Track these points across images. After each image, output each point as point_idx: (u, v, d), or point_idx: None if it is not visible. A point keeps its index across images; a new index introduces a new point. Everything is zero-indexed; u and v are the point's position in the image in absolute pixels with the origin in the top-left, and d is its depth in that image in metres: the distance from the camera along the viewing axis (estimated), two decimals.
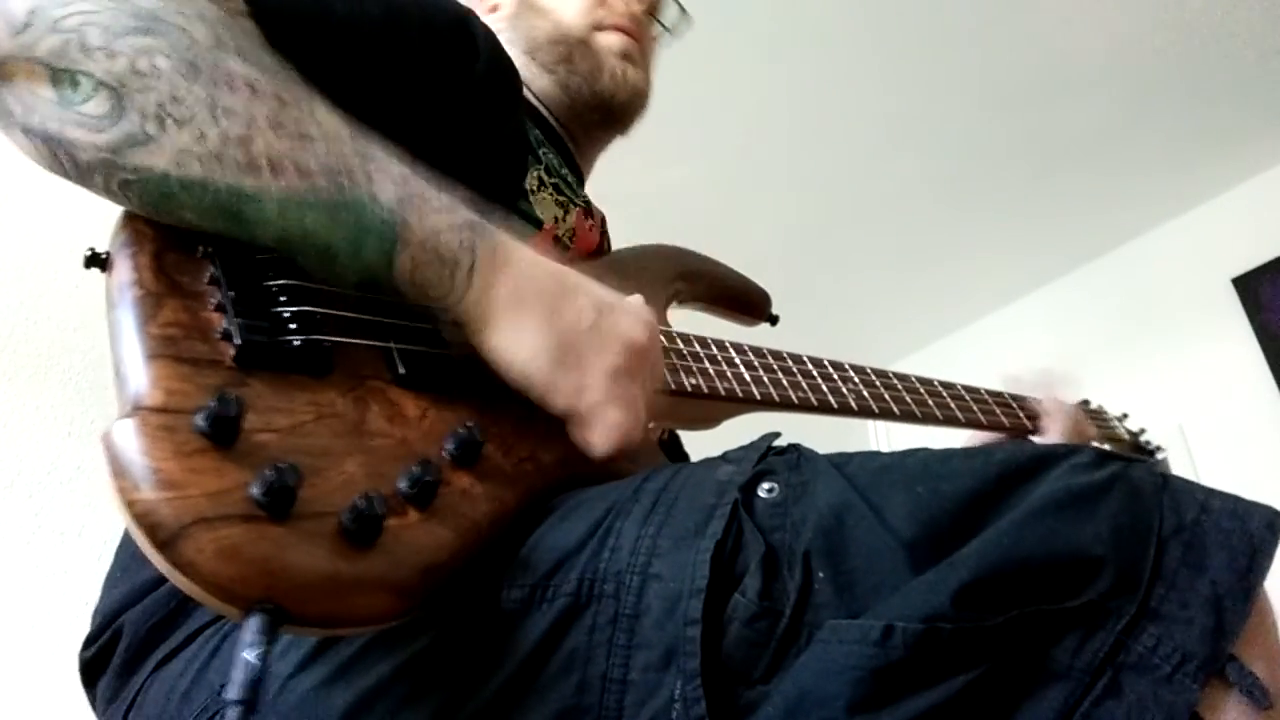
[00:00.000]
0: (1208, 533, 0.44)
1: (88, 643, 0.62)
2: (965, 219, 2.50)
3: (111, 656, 0.60)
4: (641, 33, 0.93)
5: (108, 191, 0.47)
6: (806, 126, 2.19)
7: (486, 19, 0.90)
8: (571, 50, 0.88)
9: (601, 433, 0.55)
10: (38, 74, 0.45)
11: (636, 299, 0.61)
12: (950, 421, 0.92)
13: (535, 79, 0.89)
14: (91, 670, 0.62)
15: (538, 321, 0.54)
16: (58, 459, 1.24)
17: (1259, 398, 2.23)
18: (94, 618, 0.62)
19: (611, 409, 0.55)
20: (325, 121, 0.51)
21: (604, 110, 0.90)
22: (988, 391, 1.00)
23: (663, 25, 0.97)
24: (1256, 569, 0.43)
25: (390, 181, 0.51)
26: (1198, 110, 2.22)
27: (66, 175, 0.47)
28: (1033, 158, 2.32)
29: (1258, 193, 2.41)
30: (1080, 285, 2.69)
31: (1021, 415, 1.00)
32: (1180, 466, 2.18)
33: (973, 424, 0.94)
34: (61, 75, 0.45)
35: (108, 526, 0.65)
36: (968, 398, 0.96)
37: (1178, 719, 0.39)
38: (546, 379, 0.54)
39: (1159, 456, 1.19)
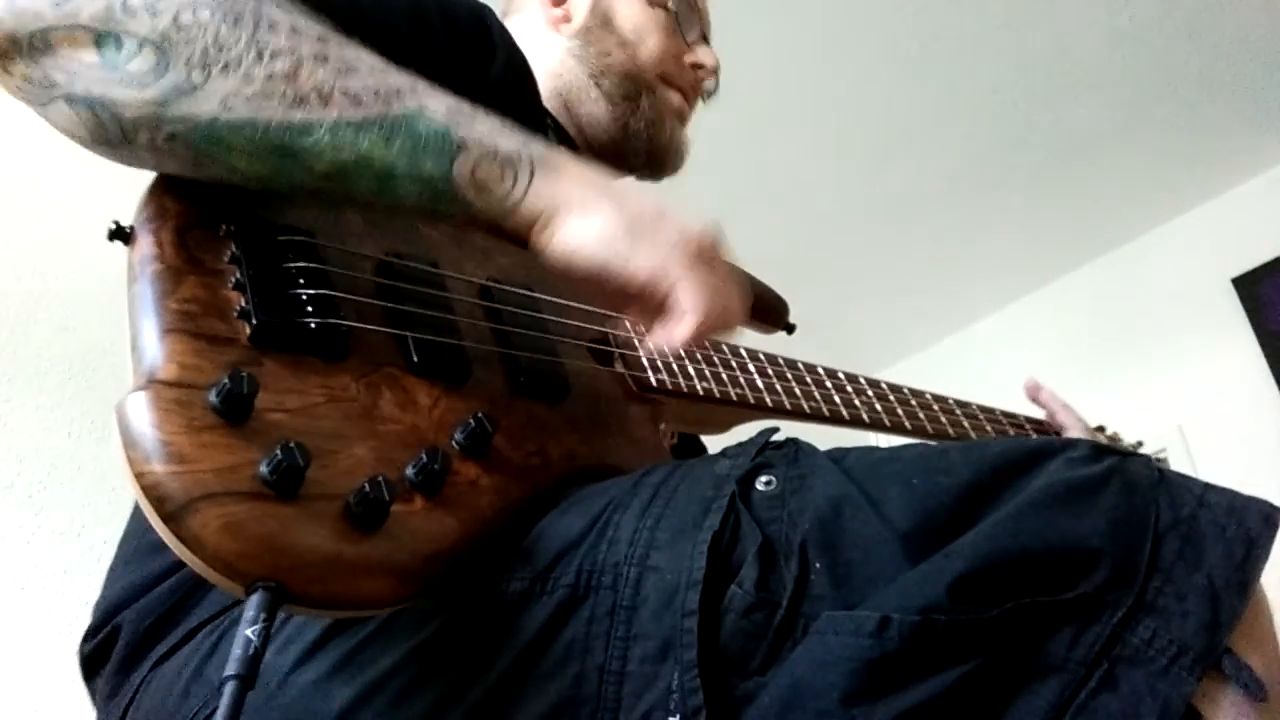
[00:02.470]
0: (1204, 526, 0.44)
1: (88, 636, 0.62)
2: (965, 220, 2.50)
3: (110, 653, 0.60)
4: (695, 99, 0.95)
5: (153, 150, 0.47)
6: (805, 129, 2.19)
7: (548, 32, 0.90)
8: (641, 92, 0.89)
9: (691, 299, 0.53)
10: (81, 40, 0.46)
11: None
12: (961, 440, 0.91)
13: (590, 102, 0.89)
14: (91, 664, 0.62)
15: (606, 202, 0.53)
16: (58, 459, 1.24)
17: (1259, 398, 2.23)
18: (94, 611, 0.63)
19: (693, 286, 0.53)
20: (367, 55, 0.51)
21: (653, 162, 0.92)
22: (1002, 412, 1.00)
23: (704, 94, 0.98)
24: (1252, 562, 0.43)
25: (437, 97, 0.52)
26: (1198, 110, 2.21)
27: (110, 141, 0.47)
28: (1032, 158, 2.32)
29: (1258, 193, 2.40)
30: (1080, 285, 2.68)
31: (1034, 436, 1.00)
32: (1180, 466, 2.18)
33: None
34: (105, 37, 0.46)
35: (108, 527, 0.65)
36: (982, 417, 0.96)
37: (1173, 712, 0.39)
38: (625, 250, 0.53)
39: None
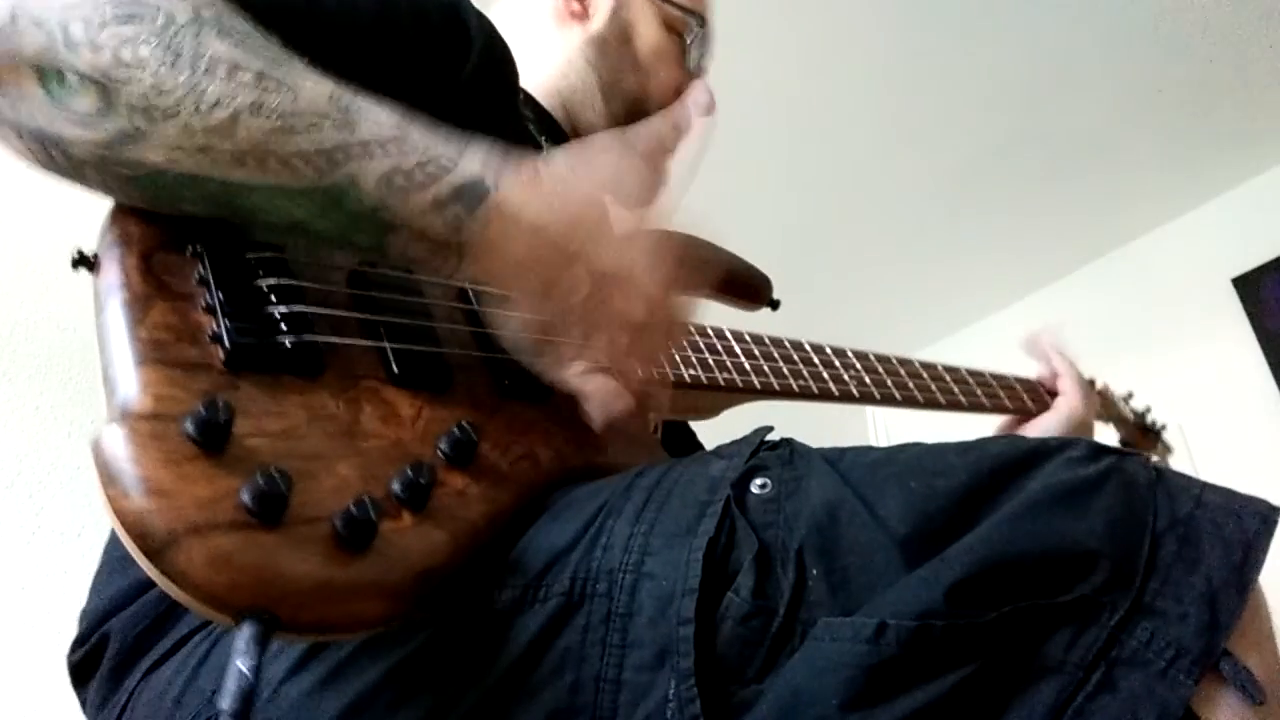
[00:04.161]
0: (1202, 527, 0.44)
1: (75, 645, 0.62)
2: (965, 219, 2.49)
3: (99, 660, 0.59)
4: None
5: (104, 187, 0.47)
6: (808, 126, 2.18)
7: (558, 24, 0.88)
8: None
9: (594, 405, 0.56)
10: (25, 74, 0.45)
11: (645, 259, 0.56)
12: (953, 406, 0.91)
13: (590, 111, 0.88)
14: (80, 673, 0.62)
15: (528, 298, 0.53)
16: (58, 459, 1.24)
17: (1259, 398, 2.22)
18: (81, 620, 0.62)
19: (596, 381, 0.55)
20: (304, 95, 0.48)
21: None
22: (992, 375, 1.00)
23: None
24: (1251, 563, 0.43)
25: (372, 159, 0.49)
26: (1198, 110, 2.21)
27: (61, 173, 0.47)
28: (1033, 158, 2.32)
29: (1258, 193, 2.40)
30: (1080, 285, 2.68)
31: (1026, 398, 1.00)
32: (1180, 466, 2.17)
33: (976, 408, 0.94)
34: (49, 73, 0.45)
35: (108, 527, 0.65)
36: (971, 381, 0.96)
37: (1172, 714, 0.39)
38: (527, 359, 0.55)
39: (1164, 437, 1.18)
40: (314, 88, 0.49)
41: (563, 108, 0.89)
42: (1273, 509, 0.45)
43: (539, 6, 0.90)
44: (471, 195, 0.50)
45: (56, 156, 0.46)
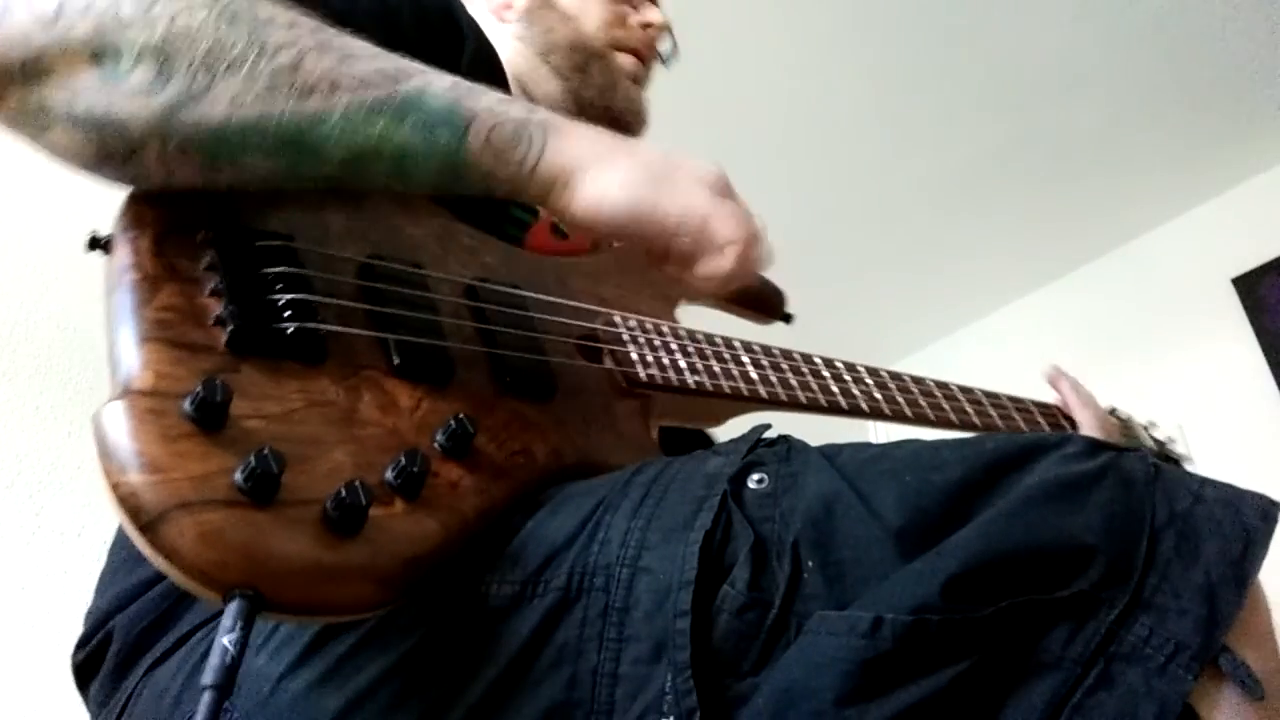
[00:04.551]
0: (1201, 522, 0.43)
1: (79, 645, 0.62)
2: (964, 219, 2.50)
3: (103, 660, 0.60)
4: (650, 59, 0.94)
5: (161, 162, 0.47)
6: (807, 126, 2.19)
7: (497, 24, 0.90)
8: (589, 61, 0.89)
9: (723, 242, 0.55)
10: (77, 60, 0.45)
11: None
12: (965, 426, 0.90)
13: (543, 81, 0.89)
14: (83, 673, 0.62)
15: (622, 156, 0.55)
16: (58, 459, 1.24)
17: (1259, 398, 2.22)
18: (86, 620, 0.62)
19: (724, 217, 0.55)
20: (361, 42, 0.52)
21: (611, 127, 0.91)
22: (1009, 397, 0.98)
23: (660, 56, 0.98)
24: (1250, 558, 0.43)
25: (437, 75, 0.53)
26: (1198, 110, 2.21)
27: (114, 159, 0.47)
28: (1033, 158, 2.32)
29: (1258, 193, 2.40)
30: (1080, 285, 2.68)
31: (1041, 420, 0.99)
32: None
33: (989, 429, 0.93)
34: (103, 52, 0.45)
35: (108, 527, 0.65)
36: (985, 402, 0.94)
37: (1170, 710, 0.39)
38: (651, 198, 0.54)
39: (1185, 465, 1.17)
40: (363, 40, 0.52)
41: (524, 95, 0.89)
42: (1272, 504, 0.45)
43: (480, 15, 0.91)
44: (533, 106, 0.55)
45: (112, 139, 0.46)
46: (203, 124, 0.46)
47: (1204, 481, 0.46)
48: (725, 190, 0.57)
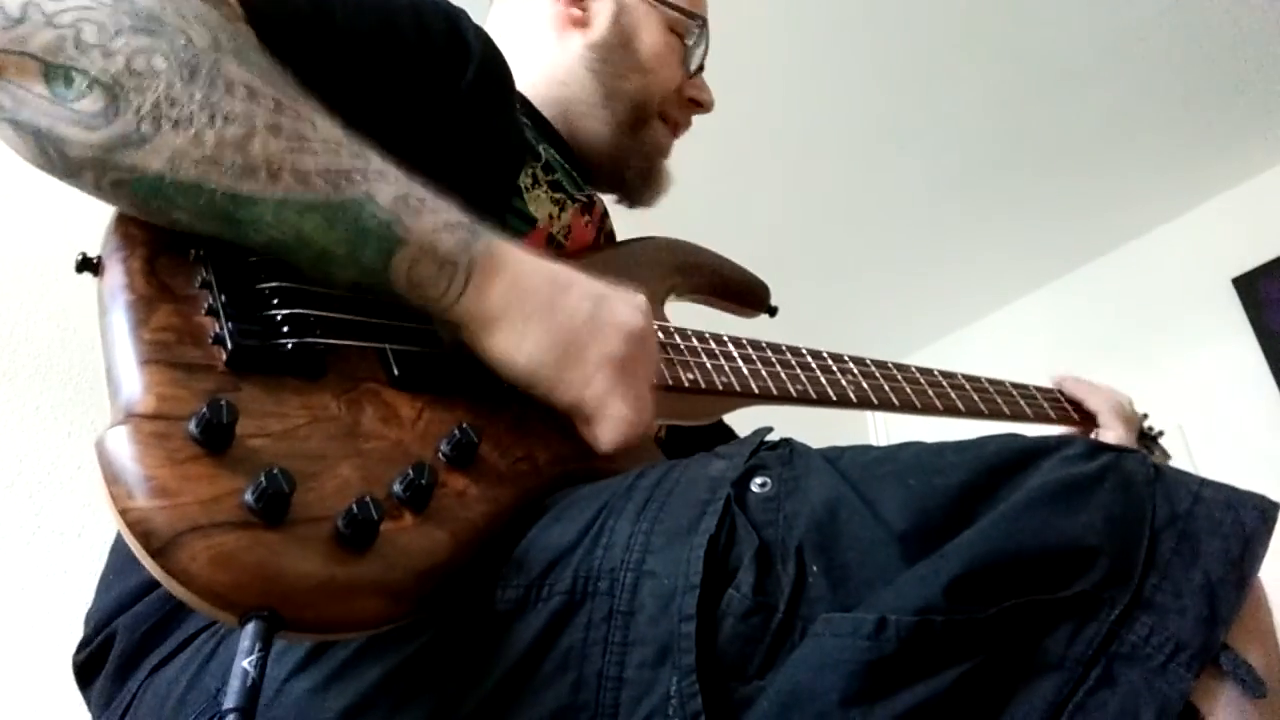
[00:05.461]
0: (1201, 522, 0.44)
1: (81, 646, 0.62)
2: (964, 219, 2.50)
3: (105, 661, 0.59)
4: (681, 134, 0.95)
5: (97, 189, 0.47)
6: (805, 126, 2.19)
7: (558, 30, 0.89)
8: (648, 124, 0.89)
9: (609, 426, 0.55)
10: (30, 69, 0.45)
11: (628, 290, 0.61)
12: (950, 411, 0.91)
13: (593, 120, 0.88)
14: (85, 674, 0.62)
15: (536, 319, 0.54)
16: (58, 459, 1.24)
17: (1259, 398, 2.23)
18: (87, 621, 0.62)
19: (617, 400, 0.55)
20: (322, 126, 0.51)
21: (637, 195, 0.93)
22: (989, 380, 0.99)
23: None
24: (1250, 558, 0.43)
25: (386, 183, 0.51)
26: (1198, 110, 2.21)
27: (54, 171, 0.47)
28: (1032, 158, 2.32)
29: (1258, 193, 2.40)
30: (1080, 285, 2.68)
31: (1023, 404, 1.00)
32: (1180, 465, 2.17)
33: (973, 413, 0.94)
34: (55, 71, 0.45)
35: (108, 527, 0.65)
36: (968, 387, 0.95)
37: (1171, 709, 0.39)
38: (550, 375, 0.54)
39: (1160, 443, 1.18)
40: (329, 121, 0.51)
41: (563, 116, 0.88)
42: (1271, 504, 0.45)
43: (537, 15, 0.90)
44: (476, 228, 0.54)
45: (53, 155, 0.46)
46: (137, 171, 0.46)
47: (1203, 482, 0.46)
48: (630, 368, 0.56)
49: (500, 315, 0.53)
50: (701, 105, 0.93)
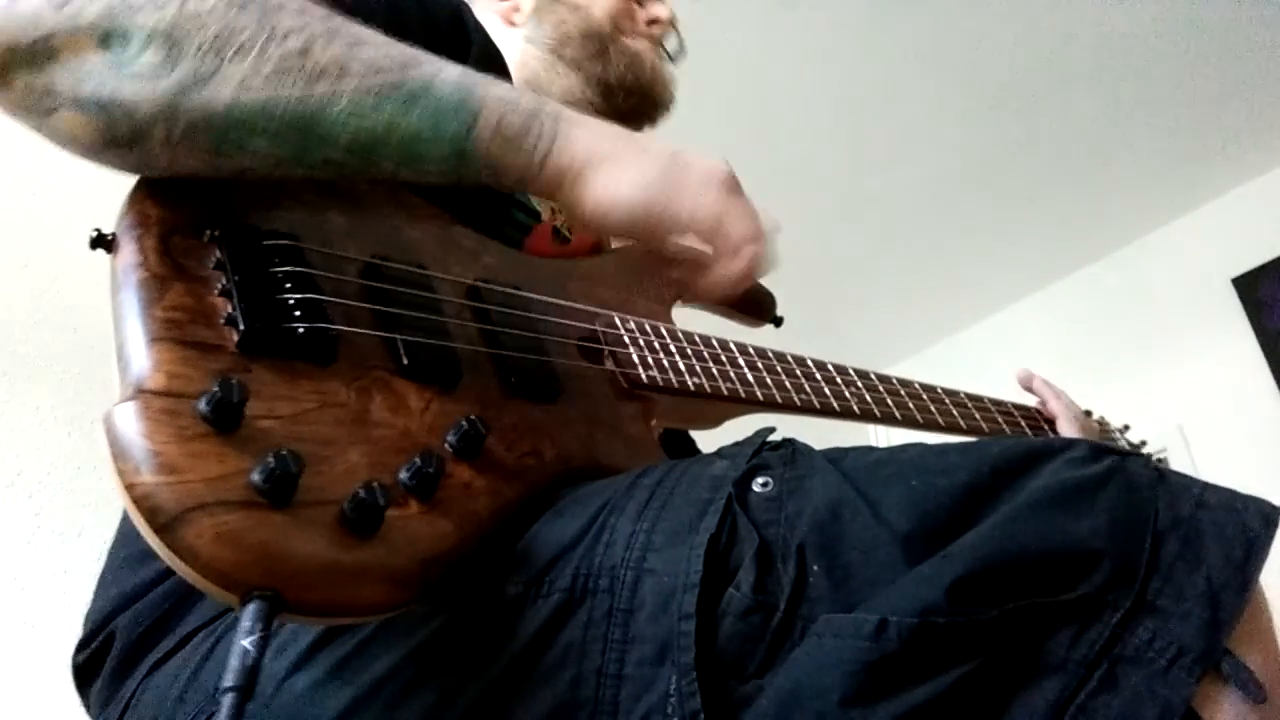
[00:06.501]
0: (1204, 526, 0.44)
1: (80, 647, 0.62)
2: (964, 221, 2.50)
3: (104, 661, 0.59)
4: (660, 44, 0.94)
5: (167, 145, 0.47)
6: (803, 130, 2.19)
7: (506, 29, 0.89)
8: (606, 46, 0.88)
9: (736, 243, 0.54)
10: (86, 41, 0.45)
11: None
12: (951, 428, 0.91)
13: (560, 77, 0.88)
14: (84, 674, 0.62)
15: (629, 157, 0.54)
16: (58, 459, 1.24)
17: (1259, 398, 2.23)
18: (86, 621, 0.62)
19: (734, 216, 0.55)
20: (371, 30, 0.52)
21: (645, 103, 0.90)
22: (991, 400, 1.00)
23: (666, 53, 0.96)
24: (1252, 562, 0.43)
25: (447, 63, 0.52)
26: (1198, 110, 2.21)
27: (120, 143, 0.46)
28: (1032, 159, 2.32)
29: (1258, 193, 2.40)
30: (1081, 286, 2.68)
31: (1024, 424, 1.00)
32: (1180, 466, 2.17)
33: (974, 431, 0.94)
34: (111, 35, 0.45)
35: (108, 527, 0.65)
36: (970, 405, 0.96)
37: (1173, 712, 0.39)
38: (661, 203, 0.53)
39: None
40: (373, 30, 0.52)
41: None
42: (1274, 509, 0.45)
43: (488, 22, 0.91)
44: (544, 98, 0.55)
45: (119, 121, 0.46)
46: (210, 107, 0.46)
47: (1206, 486, 0.46)
48: (735, 188, 0.56)
49: (597, 156, 0.53)
50: (657, 20, 0.92)
